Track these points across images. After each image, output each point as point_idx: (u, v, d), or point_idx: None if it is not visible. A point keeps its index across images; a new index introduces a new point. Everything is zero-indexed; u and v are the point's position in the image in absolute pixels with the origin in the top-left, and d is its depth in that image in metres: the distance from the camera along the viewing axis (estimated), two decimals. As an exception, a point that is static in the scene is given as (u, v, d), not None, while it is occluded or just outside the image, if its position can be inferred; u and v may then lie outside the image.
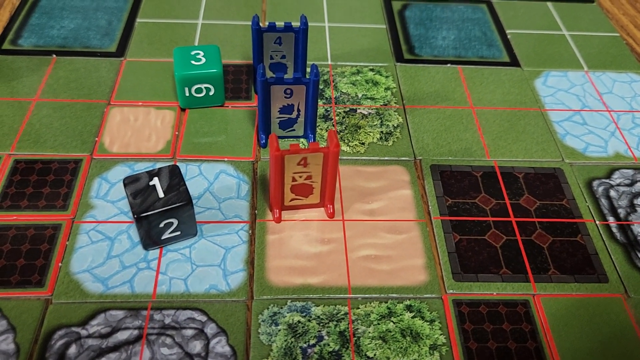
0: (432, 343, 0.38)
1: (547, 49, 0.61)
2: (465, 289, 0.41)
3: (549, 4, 0.68)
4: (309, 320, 0.38)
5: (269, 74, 0.52)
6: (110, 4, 0.63)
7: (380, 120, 0.51)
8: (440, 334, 0.38)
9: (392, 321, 0.39)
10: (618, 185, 0.48)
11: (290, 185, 0.42)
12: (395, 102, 0.53)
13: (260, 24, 0.49)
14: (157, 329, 0.37)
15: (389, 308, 0.39)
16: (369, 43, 0.60)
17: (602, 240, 0.44)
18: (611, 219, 0.45)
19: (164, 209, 0.39)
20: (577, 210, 0.46)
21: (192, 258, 0.41)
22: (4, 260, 0.40)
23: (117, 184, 0.45)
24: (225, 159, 0.48)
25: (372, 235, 0.43)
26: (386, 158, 0.49)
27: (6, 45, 0.57)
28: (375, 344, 0.37)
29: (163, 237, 0.41)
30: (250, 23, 0.61)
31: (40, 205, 0.43)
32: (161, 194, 0.40)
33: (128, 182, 0.40)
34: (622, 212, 0.46)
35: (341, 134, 0.50)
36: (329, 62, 0.57)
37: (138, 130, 0.49)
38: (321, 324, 0.38)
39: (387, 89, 0.55)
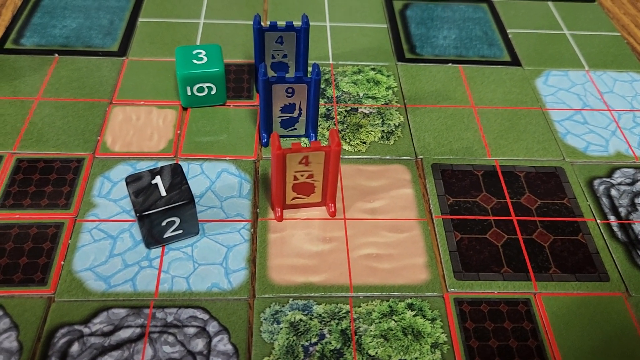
0: (433, 341, 0.38)
1: (548, 49, 0.61)
2: (466, 288, 0.41)
3: (550, 3, 0.68)
4: (311, 319, 0.38)
5: (271, 73, 0.52)
6: (112, 4, 0.63)
7: (381, 120, 0.52)
8: (442, 333, 0.38)
9: (393, 320, 0.39)
10: (619, 184, 0.48)
11: (291, 184, 0.42)
12: (396, 101, 0.54)
13: (262, 24, 0.49)
14: (159, 327, 0.37)
15: (390, 306, 0.39)
16: (370, 42, 0.60)
17: (603, 239, 0.44)
18: (612, 218, 0.46)
19: (166, 207, 0.39)
20: (578, 209, 0.46)
21: (194, 256, 0.41)
22: (6, 259, 0.40)
23: (119, 183, 0.45)
24: (227, 158, 0.48)
25: (373, 234, 0.43)
26: (387, 157, 0.49)
27: (9, 45, 0.57)
28: (377, 343, 0.38)
29: (165, 236, 0.41)
30: (251, 22, 0.61)
31: (43, 204, 0.43)
32: (163, 193, 0.40)
33: (130, 180, 0.40)
34: (623, 211, 0.46)
35: (342, 133, 0.50)
36: (330, 62, 0.57)
37: (140, 129, 0.49)
38: (323, 323, 0.38)
39: (388, 88, 0.55)
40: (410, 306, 0.39)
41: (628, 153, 0.51)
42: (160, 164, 0.47)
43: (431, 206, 0.45)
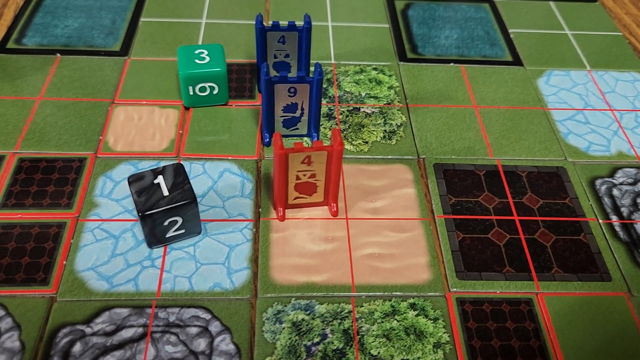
0: (435, 341, 0.38)
1: (549, 48, 0.61)
2: (468, 287, 0.41)
3: (552, 3, 0.68)
4: (313, 319, 0.38)
5: (273, 72, 0.52)
6: (114, 3, 0.63)
7: (383, 119, 0.52)
8: (444, 332, 0.38)
9: (395, 319, 0.39)
10: (621, 184, 0.48)
11: (294, 183, 0.42)
12: (398, 101, 0.54)
13: (264, 23, 0.49)
14: (161, 327, 0.37)
15: (392, 306, 0.39)
16: (372, 42, 0.60)
17: (605, 238, 0.44)
18: (614, 218, 0.46)
19: (168, 207, 0.39)
20: (580, 208, 0.46)
21: (196, 256, 0.41)
22: (8, 258, 0.40)
23: (121, 182, 0.45)
24: (229, 158, 0.48)
25: (375, 234, 0.43)
26: (390, 157, 0.49)
27: (10, 45, 0.57)
28: (379, 342, 0.38)
29: (167, 235, 0.41)
30: (254, 22, 0.61)
31: (45, 204, 0.43)
32: (165, 192, 0.40)
33: (133, 180, 0.40)
34: (625, 210, 0.46)
35: (345, 132, 0.50)
36: (333, 61, 0.57)
37: (142, 129, 0.49)
38: (325, 322, 0.38)
39: (390, 87, 0.55)
40: (412, 306, 0.39)
41: (630, 153, 0.51)
42: (163, 163, 0.47)
43: (433, 206, 0.45)
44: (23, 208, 0.43)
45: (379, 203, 0.45)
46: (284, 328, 0.38)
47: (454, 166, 0.48)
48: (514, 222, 0.45)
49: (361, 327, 0.38)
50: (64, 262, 0.40)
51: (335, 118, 0.51)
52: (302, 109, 0.47)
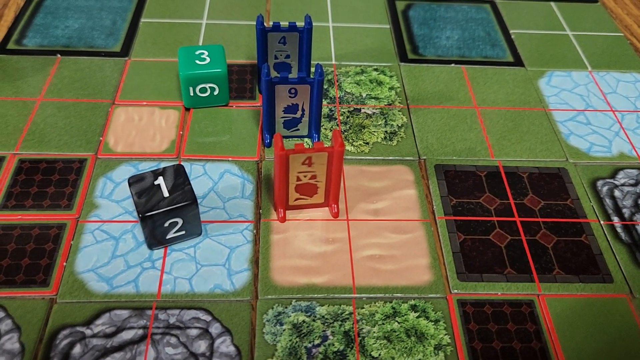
0: (436, 343, 0.38)
1: (550, 49, 0.61)
2: (469, 289, 0.41)
3: (553, 4, 0.68)
4: (314, 320, 0.38)
5: (274, 73, 0.52)
6: (115, 4, 0.63)
7: (384, 120, 0.51)
8: (445, 334, 0.38)
9: (396, 321, 0.39)
10: (622, 185, 0.48)
11: (294, 184, 0.42)
12: (399, 102, 0.53)
13: (265, 24, 0.49)
14: (161, 329, 0.37)
15: (393, 308, 0.39)
16: (372, 43, 0.60)
17: (606, 240, 0.44)
18: (616, 219, 0.45)
19: (168, 208, 0.39)
20: (581, 210, 0.46)
21: (196, 258, 0.41)
22: (8, 260, 0.40)
23: (121, 184, 0.45)
24: (230, 159, 0.48)
25: (376, 235, 0.43)
26: (390, 158, 0.49)
27: (11, 45, 0.57)
28: (380, 344, 0.37)
29: (168, 237, 0.41)
30: (254, 23, 0.61)
31: (45, 205, 0.43)
32: (166, 194, 0.40)
33: (133, 181, 0.40)
34: (626, 212, 0.46)
35: (345, 133, 0.50)
36: (333, 62, 0.57)
37: (142, 130, 0.49)
38: (326, 324, 0.38)
39: (391, 88, 0.55)
40: (413, 307, 0.39)
41: (631, 154, 0.50)
42: (163, 164, 0.47)
43: (434, 207, 0.45)
44: (23, 209, 0.43)
45: (380, 204, 0.45)
46: (284, 330, 0.38)
47: (455, 167, 0.48)
48: (515, 224, 0.45)
49: (362, 328, 0.38)
50: (64, 264, 0.40)
51: (336, 119, 0.51)
52: (303, 110, 0.47)
